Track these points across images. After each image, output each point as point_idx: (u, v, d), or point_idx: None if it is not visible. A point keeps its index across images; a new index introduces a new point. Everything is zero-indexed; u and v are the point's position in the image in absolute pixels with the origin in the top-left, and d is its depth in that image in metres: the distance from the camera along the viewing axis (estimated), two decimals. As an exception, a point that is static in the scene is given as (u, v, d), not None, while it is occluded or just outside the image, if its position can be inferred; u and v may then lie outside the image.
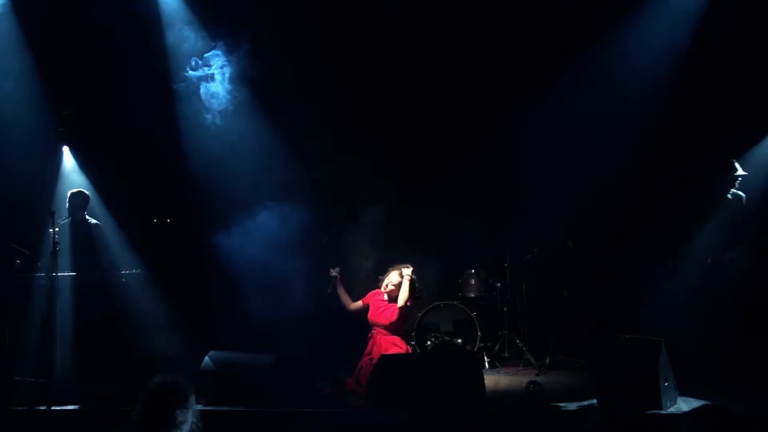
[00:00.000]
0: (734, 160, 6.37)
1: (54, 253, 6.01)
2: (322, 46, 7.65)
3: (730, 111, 6.89)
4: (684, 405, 5.23)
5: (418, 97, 7.83)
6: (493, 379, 6.63)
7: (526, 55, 7.56)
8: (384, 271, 6.80)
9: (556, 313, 7.44)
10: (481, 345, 7.28)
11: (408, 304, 6.57)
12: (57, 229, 6.14)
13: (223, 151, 7.46)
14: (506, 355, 7.65)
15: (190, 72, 7.29)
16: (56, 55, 7.53)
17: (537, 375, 6.79)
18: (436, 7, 7.53)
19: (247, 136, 7.57)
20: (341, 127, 7.74)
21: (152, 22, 7.50)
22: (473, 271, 7.74)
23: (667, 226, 6.76)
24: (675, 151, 7.23)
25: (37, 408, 5.61)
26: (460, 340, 7.29)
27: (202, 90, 7.33)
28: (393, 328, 6.51)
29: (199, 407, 3.09)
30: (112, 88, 7.53)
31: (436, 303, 7.43)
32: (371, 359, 6.21)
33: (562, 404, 5.42)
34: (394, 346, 6.41)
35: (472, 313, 7.32)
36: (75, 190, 7.03)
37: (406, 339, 6.89)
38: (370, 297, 6.73)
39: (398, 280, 6.60)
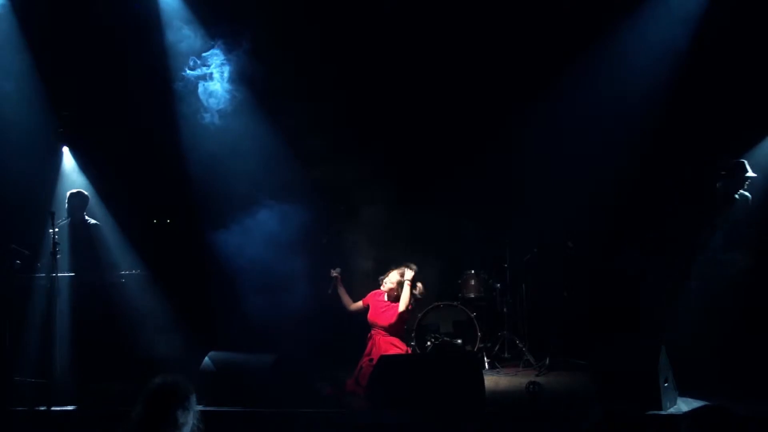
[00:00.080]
0: (745, 161, 6.37)
1: (54, 254, 6.00)
2: (322, 46, 7.64)
3: (730, 111, 6.89)
4: (684, 405, 5.24)
5: (418, 97, 7.82)
6: (492, 380, 6.62)
7: (526, 55, 7.55)
8: (384, 272, 6.81)
9: (556, 314, 7.43)
10: (481, 345, 7.28)
11: (409, 308, 6.57)
12: (57, 230, 6.14)
13: (223, 151, 7.45)
14: (506, 355, 7.65)
15: (188, 72, 7.28)
16: (56, 55, 7.52)
17: (537, 376, 6.79)
18: (436, 7, 7.52)
19: (247, 136, 7.56)
20: (341, 127, 7.74)
21: (152, 22, 7.49)
22: (473, 271, 7.73)
23: (668, 226, 6.76)
24: (675, 151, 7.23)
25: (37, 408, 5.62)
26: (459, 341, 7.28)
27: (200, 89, 7.32)
28: (392, 329, 6.52)
29: (200, 408, 3.09)
30: (111, 88, 7.52)
31: (436, 303, 7.42)
32: (371, 360, 6.21)
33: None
34: (393, 346, 6.42)
35: (472, 313, 7.31)
36: (74, 190, 7.01)
37: (406, 339, 6.90)
38: (371, 297, 6.74)
39: (397, 278, 6.61)
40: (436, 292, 7.65)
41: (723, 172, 6.38)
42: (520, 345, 7.48)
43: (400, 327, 6.62)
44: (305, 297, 6.95)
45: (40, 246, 6.58)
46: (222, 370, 5.73)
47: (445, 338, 7.22)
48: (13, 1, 7.40)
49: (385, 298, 6.67)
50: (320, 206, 7.59)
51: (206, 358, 5.82)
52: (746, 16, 6.76)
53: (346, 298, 6.82)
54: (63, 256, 6.31)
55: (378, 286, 6.81)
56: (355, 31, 7.70)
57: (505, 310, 7.73)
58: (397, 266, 6.73)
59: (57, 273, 6.06)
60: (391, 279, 6.65)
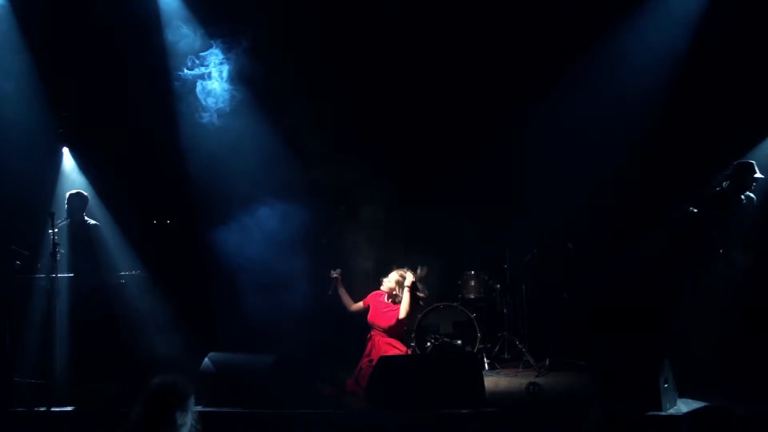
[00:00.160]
0: (753, 162, 6.36)
1: (54, 254, 6.00)
2: (322, 46, 7.64)
3: (730, 112, 6.89)
4: (683, 407, 5.23)
5: (418, 97, 7.82)
6: (492, 381, 6.62)
7: (526, 55, 7.55)
8: (385, 272, 6.81)
9: (556, 314, 7.43)
10: (481, 346, 7.27)
11: (409, 314, 6.55)
12: (56, 230, 6.13)
13: (222, 151, 7.45)
14: (506, 356, 7.64)
15: (186, 71, 7.28)
16: (56, 55, 7.52)
17: (537, 376, 6.79)
18: (436, 7, 7.52)
19: (247, 135, 7.56)
20: (341, 127, 7.73)
21: (152, 22, 7.48)
22: (473, 272, 7.73)
23: (668, 226, 6.76)
24: (675, 151, 7.23)
25: (36, 409, 5.61)
26: (459, 342, 7.27)
27: (198, 88, 7.32)
28: (391, 331, 6.51)
29: (199, 408, 3.09)
30: (111, 88, 7.52)
31: (436, 304, 7.41)
32: (370, 360, 6.21)
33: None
34: (393, 347, 6.41)
35: (472, 314, 7.30)
36: (73, 191, 6.99)
37: (406, 340, 6.89)
38: (371, 298, 6.73)
39: (396, 278, 6.60)
40: (436, 293, 7.65)
41: (730, 173, 6.38)
42: (519, 346, 7.48)
43: (400, 329, 6.61)
44: (305, 297, 6.95)
45: (40, 246, 6.58)
46: (222, 370, 5.72)
47: (445, 339, 7.22)
48: (12, 1, 7.40)
49: (386, 299, 6.66)
50: (320, 206, 7.58)
51: (206, 359, 5.81)
52: (746, 17, 6.76)
53: (346, 298, 6.81)
54: (63, 257, 6.31)
55: (378, 286, 6.81)
56: (355, 31, 7.69)
57: (504, 310, 7.72)
58: (399, 266, 6.71)
59: (57, 273, 6.05)
60: (390, 279, 6.64)
